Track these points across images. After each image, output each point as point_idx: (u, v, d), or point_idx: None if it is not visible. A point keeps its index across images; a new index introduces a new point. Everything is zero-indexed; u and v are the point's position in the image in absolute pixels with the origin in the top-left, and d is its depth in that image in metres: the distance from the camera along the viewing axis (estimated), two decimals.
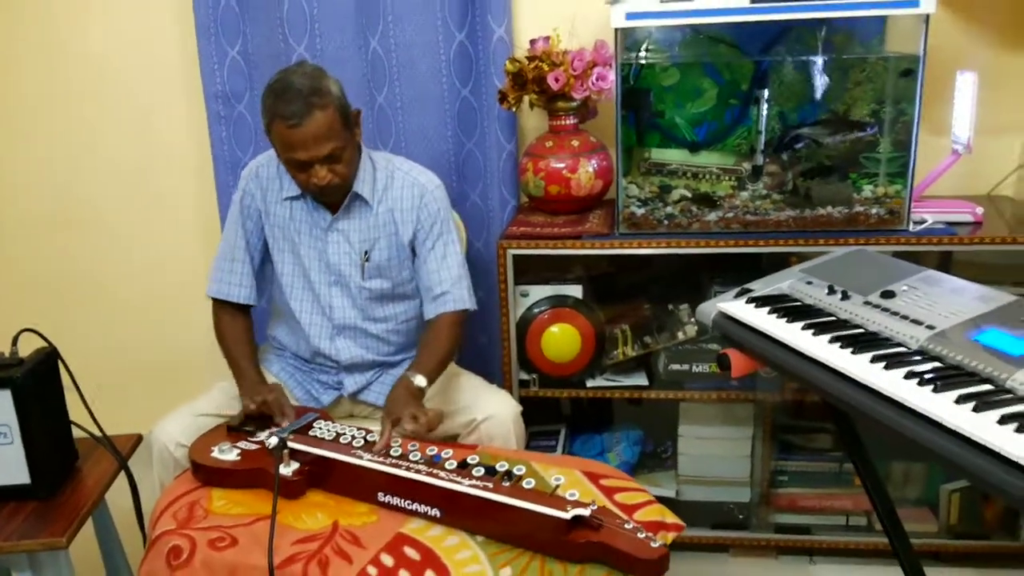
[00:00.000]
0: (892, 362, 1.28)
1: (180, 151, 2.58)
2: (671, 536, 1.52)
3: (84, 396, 1.71)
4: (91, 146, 2.62)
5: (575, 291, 2.11)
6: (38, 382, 1.62)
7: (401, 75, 2.38)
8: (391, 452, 1.60)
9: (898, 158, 2.01)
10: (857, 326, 1.43)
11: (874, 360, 1.30)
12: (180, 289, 2.58)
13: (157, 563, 1.50)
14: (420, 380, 1.76)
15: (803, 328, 1.45)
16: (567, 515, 1.36)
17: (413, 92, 2.38)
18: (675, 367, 2.10)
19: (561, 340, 2.10)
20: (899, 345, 1.34)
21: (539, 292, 2.12)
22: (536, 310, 2.11)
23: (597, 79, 2.00)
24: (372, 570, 1.38)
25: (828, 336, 1.40)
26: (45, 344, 1.69)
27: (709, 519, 2.21)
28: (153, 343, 2.71)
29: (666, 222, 2.02)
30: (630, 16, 1.85)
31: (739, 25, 1.96)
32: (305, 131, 1.68)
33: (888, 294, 1.50)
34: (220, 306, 1.95)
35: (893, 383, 1.23)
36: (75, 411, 1.75)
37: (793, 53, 2.01)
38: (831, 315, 1.49)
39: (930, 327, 1.34)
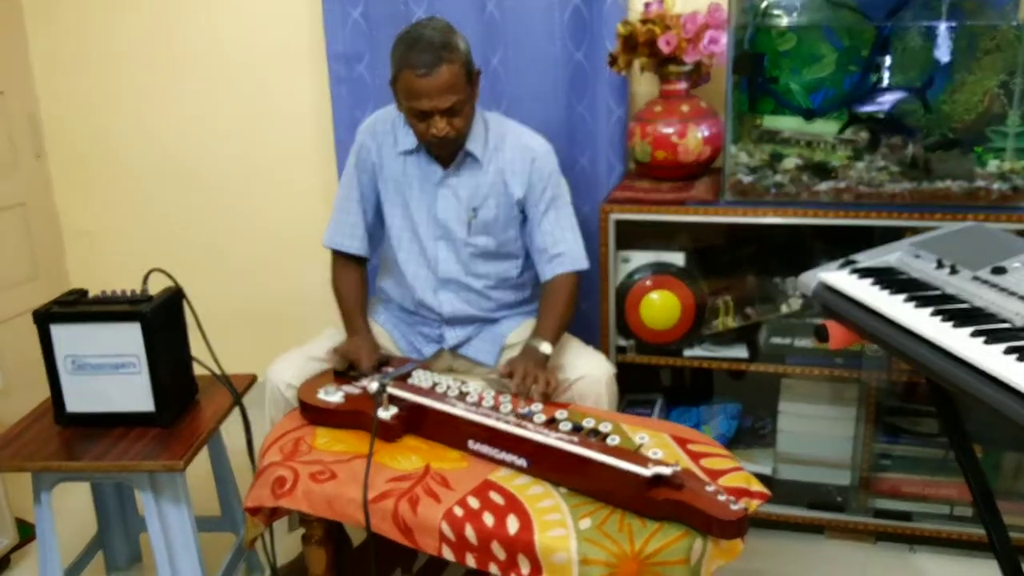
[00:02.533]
0: (993, 337, 1.23)
1: (301, 110, 2.70)
2: (755, 503, 1.51)
3: (206, 335, 1.84)
4: (215, 105, 2.78)
5: (677, 259, 2.10)
6: (165, 318, 1.76)
7: (516, 38, 2.40)
8: (483, 403, 1.66)
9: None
10: (963, 301, 1.38)
11: (975, 334, 1.25)
12: (297, 242, 2.71)
13: (263, 491, 1.61)
14: (545, 347, 1.82)
15: (905, 300, 1.40)
16: (648, 472, 1.38)
17: (527, 55, 2.40)
18: (777, 340, 2.06)
19: (661, 307, 2.09)
20: (1004, 322, 1.28)
21: (641, 258, 2.11)
22: (637, 276, 2.11)
23: (709, 42, 1.97)
24: (458, 510, 1.44)
25: (930, 309, 1.35)
26: (172, 284, 1.83)
27: (805, 499, 2.17)
28: (271, 293, 2.87)
29: (774, 191, 1.97)
30: None
31: None
32: (432, 82, 1.74)
33: (999, 270, 1.43)
34: (336, 257, 2.05)
35: (992, 357, 1.19)
36: (196, 350, 1.89)
37: (918, 19, 1.91)
38: (936, 289, 1.43)
39: None
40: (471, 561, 1.43)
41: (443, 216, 1.95)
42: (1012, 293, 1.33)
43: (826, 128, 2.05)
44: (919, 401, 2.07)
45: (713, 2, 2.02)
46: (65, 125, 2.91)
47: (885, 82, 1.98)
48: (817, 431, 2.17)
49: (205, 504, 2.06)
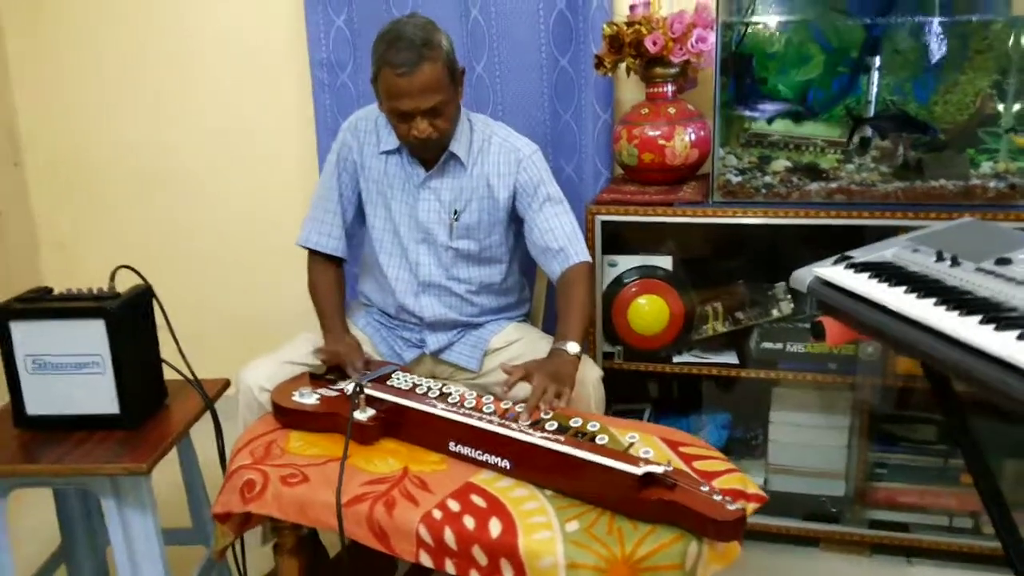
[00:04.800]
0: (1004, 324, 1.17)
1: (283, 118, 2.65)
2: (751, 507, 1.44)
3: (176, 336, 1.76)
4: (196, 113, 2.73)
5: (665, 263, 2.05)
6: (131, 315, 1.68)
7: (500, 44, 2.37)
8: (465, 404, 1.59)
9: (1021, 133, 1.86)
10: (966, 292, 1.32)
11: (984, 321, 1.19)
12: (277, 250, 2.63)
13: (232, 496, 1.53)
14: (573, 347, 1.71)
15: (906, 292, 1.35)
16: (638, 471, 1.31)
17: (512, 61, 2.37)
18: (768, 345, 2.00)
19: (648, 312, 2.04)
20: (1012, 310, 1.23)
21: (628, 262, 2.06)
22: (624, 280, 2.05)
23: (697, 41, 1.94)
24: (437, 513, 1.36)
25: (934, 300, 1.30)
26: (141, 283, 1.76)
27: (799, 512, 2.10)
28: (250, 302, 2.80)
29: (764, 191, 1.93)
30: None
31: None
32: (412, 81, 1.68)
33: (1004, 261, 1.38)
34: (313, 257, 1.99)
35: (1005, 343, 1.13)
36: (168, 355, 1.81)
37: (908, 16, 1.89)
38: (938, 281, 1.38)
39: None
40: (450, 567, 1.35)
41: (424, 219, 1.89)
42: (1021, 282, 1.28)
43: (816, 130, 2.01)
44: (915, 407, 2.01)
45: (700, 2, 1.99)
46: (43, 133, 2.85)
47: (875, 83, 1.95)
48: (810, 441, 2.11)
49: (175, 516, 1.96)
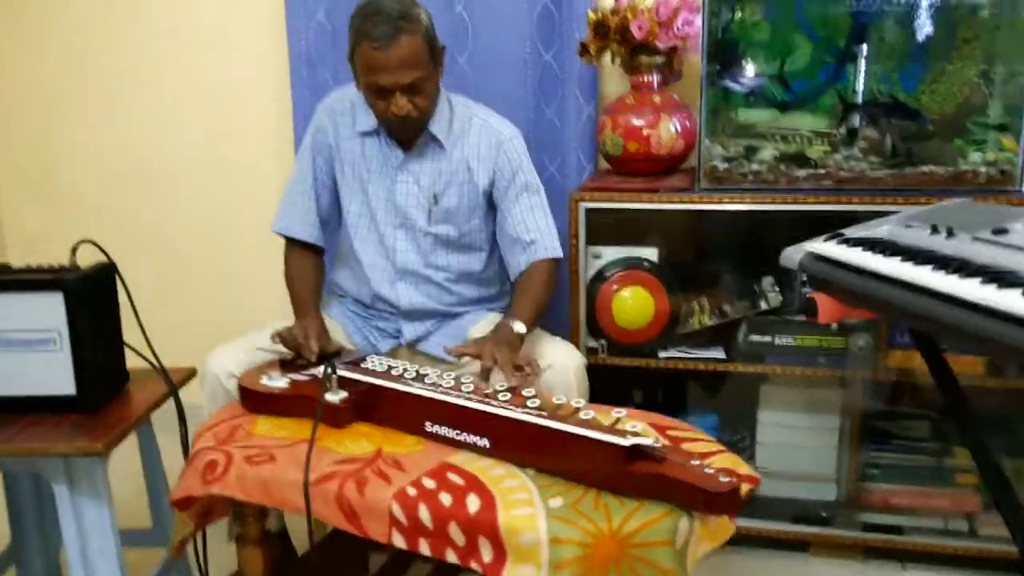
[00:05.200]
0: (1006, 282, 1.12)
1: (261, 113, 2.59)
2: (745, 487, 1.36)
3: (139, 317, 1.67)
4: (172, 107, 2.67)
5: (650, 254, 1.99)
6: (92, 291, 1.59)
7: (484, 38, 2.33)
8: (442, 384, 1.51)
9: (1010, 124, 1.83)
10: (964, 260, 1.28)
11: (986, 282, 1.14)
12: (249, 242, 2.56)
13: (192, 479, 1.44)
14: (519, 326, 1.67)
15: (902, 261, 1.30)
16: (625, 442, 1.24)
17: (495, 56, 2.32)
18: (756, 338, 1.94)
19: (633, 305, 1.97)
20: (1012, 273, 1.18)
21: (612, 254, 2.00)
22: (608, 272, 1.99)
23: (683, 24, 1.91)
24: (412, 491, 1.28)
25: (931, 266, 1.25)
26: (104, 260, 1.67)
27: (788, 515, 2.02)
28: (217, 292, 2.72)
29: (751, 178, 1.89)
30: None
31: None
32: (390, 55, 1.63)
33: (1000, 231, 1.34)
34: (290, 246, 1.92)
35: (1012, 299, 1.08)
36: (132, 343, 1.72)
37: (895, 5, 1.87)
38: (933, 251, 1.33)
39: None
40: (425, 548, 1.26)
41: (402, 202, 1.83)
42: (1020, 248, 1.24)
43: (802, 121, 1.98)
44: (908, 403, 1.96)
45: None
46: (15, 128, 2.78)
47: (862, 72, 1.92)
48: (799, 442, 2.04)
49: (134, 517, 1.85)
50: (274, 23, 2.49)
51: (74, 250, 1.62)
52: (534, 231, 1.81)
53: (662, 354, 2.01)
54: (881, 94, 1.90)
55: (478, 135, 1.83)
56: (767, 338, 1.93)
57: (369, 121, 1.82)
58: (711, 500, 1.18)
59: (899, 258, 1.31)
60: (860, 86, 1.91)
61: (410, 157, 1.82)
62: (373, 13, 1.65)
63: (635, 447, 1.24)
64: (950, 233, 1.37)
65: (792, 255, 1.51)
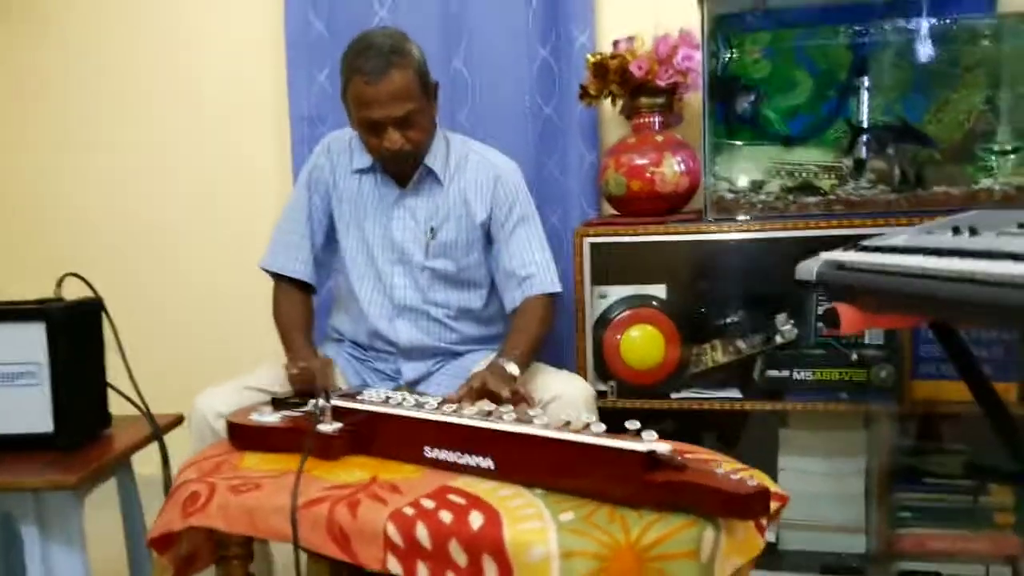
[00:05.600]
0: None
1: (262, 170, 2.58)
2: (775, 505, 1.25)
3: (125, 355, 1.59)
4: (173, 162, 2.67)
5: (658, 291, 1.92)
6: (76, 326, 1.52)
7: (484, 93, 2.34)
8: (443, 409, 1.41)
9: (1019, 149, 1.80)
10: (992, 250, 1.21)
11: (1019, 261, 1.08)
12: (247, 300, 2.49)
13: (172, 513, 1.32)
14: (512, 368, 1.58)
15: (927, 256, 1.24)
16: (643, 447, 1.14)
17: (495, 110, 2.33)
18: (773, 374, 1.84)
19: (642, 343, 1.89)
20: None
21: (619, 292, 1.93)
22: (615, 311, 1.92)
23: (683, 59, 1.90)
24: (409, 510, 1.17)
25: (959, 257, 1.18)
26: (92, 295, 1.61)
27: (816, 568, 1.88)
28: (209, 348, 2.65)
29: (759, 207, 1.84)
30: None
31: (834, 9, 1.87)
32: (381, 88, 1.62)
33: None
34: (278, 284, 1.85)
35: None
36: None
37: (895, 35, 1.88)
38: (959, 248, 1.27)
39: None
40: (423, 572, 1.14)
41: (399, 238, 1.78)
42: None
43: (807, 156, 1.95)
44: (937, 437, 1.84)
45: (684, 28, 1.97)
46: (15, 179, 2.78)
47: (865, 104, 1.91)
48: (823, 490, 1.92)
49: (110, 571, 1.72)
50: (276, 83, 2.50)
51: (59, 282, 1.56)
52: (530, 265, 1.76)
53: (675, 395, 1.91)
54: (888, 121, 1.88)
55: (475, 170, 1.80)
56: (784, 373, 1.83)
57: (365, 158, 1.79)
58: (738, 503, 1.07)
59: (923, 255, 1.25)
60: (864, 118, 1.90)
61: (407, 193, 1.78)
62: (364, 48, 1.65)
63: (653, 454, 1.14)
64: (973, 232, 1.31)
65: (809, 266, 1.44)
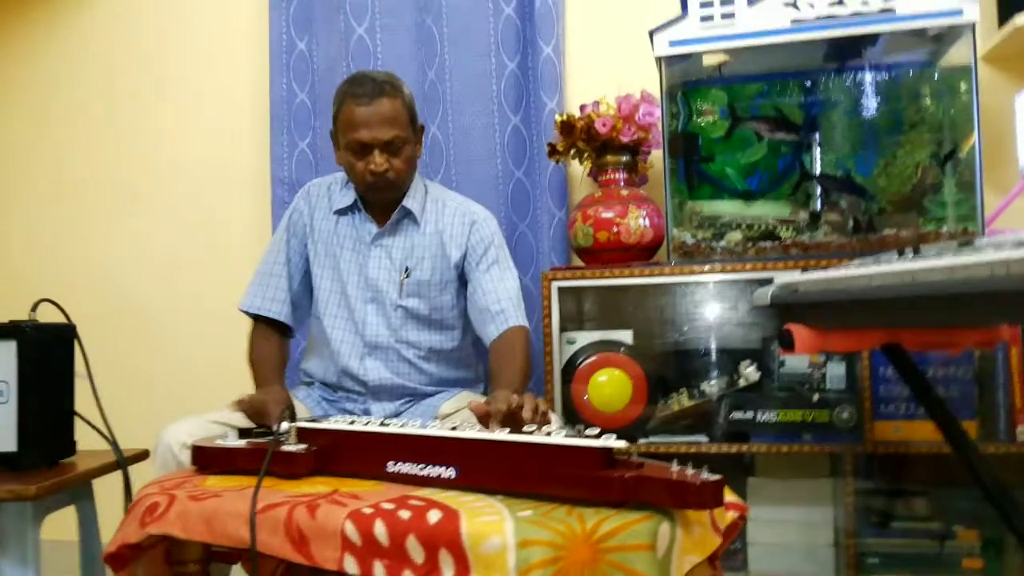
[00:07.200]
0: (996, 249, 1.11)
1: (240, 231, 2.64)
2: (730, 516, 1.27)
3: (96, 389, 1.60)
4: (153, 226, 2.73)
5: (625, 336, 1.96)
6: (48, 348, 1.54)
7: (457, 157, 2.44)
8: (407, 428, 1.42)
9: (965, 201, 1.90)
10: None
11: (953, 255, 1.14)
12: (218, 348, 2.50)
13: (131, 525, 1.31)
14: (516, 398, 1.57)
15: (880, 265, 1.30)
16: (600, 443, 1.16)
17: (468, 174, 2.42)
18: (738, 415, 1.87)
19: (610, 386, 1.92)
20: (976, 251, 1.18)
21: (586, 338, 1.98)
22: (583, 356, 1.95)
23: (644, 116, 2.01)
24: (368, 510, 1.17)
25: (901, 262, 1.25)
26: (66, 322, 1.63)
27: None
28: (179, 385, 2.65)
29: (720, 252, 1.91)
30: (674, 43, 1.89)
31: (785, 71, 2.00)
32: (372, 110, 1.71)
33: (966, 243, 1.35)
34: (256, 326, 1.88)
35: (973, 258, 1.07)
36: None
37: (843, 93, 2.00)
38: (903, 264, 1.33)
39: None
40: (380, 571, 1.13)
41: (374, 276, 1.83)
42: (988, 247, 1.24)
43: (765, 210, 2.04)
44: (901, 478, 1.85)
45: (645, 90, 2.09)
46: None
47: (818, 160, 2.02)
48: (792, 540, 1.91)
49: None
50: (259, 146, 2.59)
51: (34, 307, 1.59)
52: (504, 300, 1.80)
53: (642, 440, 1.92)
54: (835, 175, 1.98)
55: (453, 214, 1.87)
56: (748, 415, 1.86)
57: (345, 199, 1.86)
58: (692, 492, 1.08)
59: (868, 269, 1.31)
60: (817, 173, 2.00)
61: (384, 232, 1.84)
62: (360, 78, 1.77)
63: (611, 451, 1.16)
64: (917, 251, 1.38)
65: (764, 291, 1.49)
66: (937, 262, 1.14)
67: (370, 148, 1.72)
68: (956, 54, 1.91)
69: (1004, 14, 1.98)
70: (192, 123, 2.71)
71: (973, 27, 1.77)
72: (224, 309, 2.63)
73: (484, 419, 1.39)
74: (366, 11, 2.47)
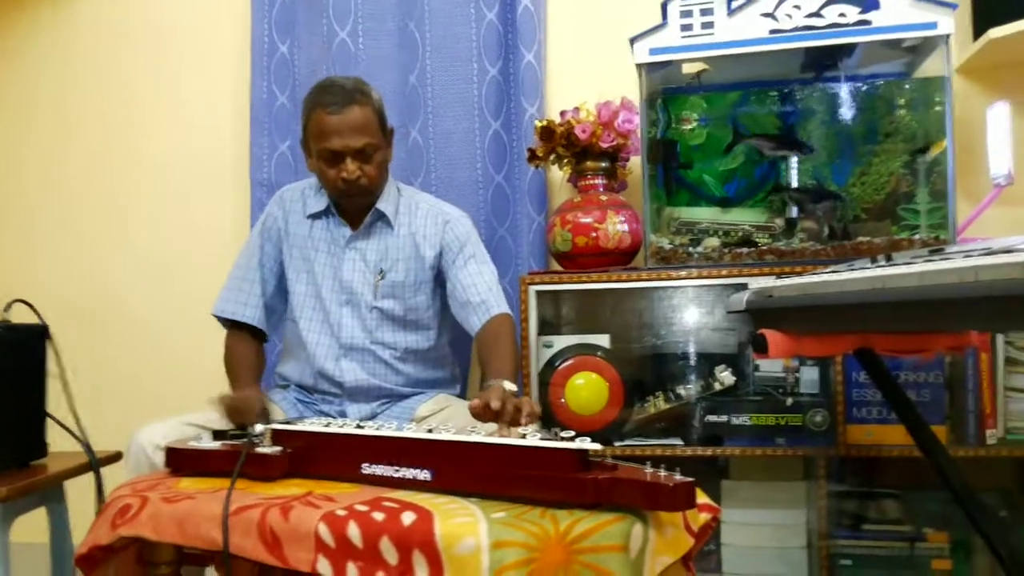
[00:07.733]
0: (965, 256, 1.13)
1: (219, 232, 2.62)
2: (703, 517, 1.28)
3: (67, 380, 1.59)
4: (132, 223, 2.71)
5: (602, 340, 1.97)
6: (18, 345, 1.53)
7: (437, 161, 2.44)
8: (382, 430, 1.42)
9: (938, 209, 1.93)
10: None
11: (923, 262, 1.16)
12: (193, 351, 2.49)
13: (102, 527, 1.31)
14: (509, 385, 1.53)
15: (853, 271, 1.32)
16: (575, 445, 1.16)
17: (448, 179, 2.42)
18: (712, 419, 1.87)
19: (587, 390, 1.92)
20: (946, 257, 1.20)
21: (564, 342, 1.98)
22: (561, 360, 1.96)
23: (623, 122, 2.02)
24: (342, 512, 1.17)
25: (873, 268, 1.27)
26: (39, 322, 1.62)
27: None
28: (153, 389, 2.63)
29: (696, 257, 1.93)
30: (654, 51, 1.91)
31: (763, 80, 2.02)
32: (342, 119, 1.71)
33: (937, 251, 1.37)
34: (230, 332, 1.87)
35: (944, 264, 1.09)
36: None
37: (819, 103, 2.03)
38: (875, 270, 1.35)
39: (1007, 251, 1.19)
40: (354, 572, 1.13)
41: (348, 279, 1.83)
42: (958, 255, 1.26)
43: (742, 216, 2.06)
44: (873, 481, 1.87)
45: (624, 97, 2.10)
46: None
47: (794, 169, 2.04)
48: (766, 542, 1.92)
49: None
50: (240, 148, 2.58)
51: (7, 307, 1.57)
52: (485, 291, 1.80)
53: (618, 443, 1.93)
54: (811, 185, 2.01)
55: (426, 215, 1.87)
56: (723, 418, 1.87)
57: (318, 204, 1.86)
58: (664, 494, 1.09)
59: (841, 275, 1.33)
60: (794, 182, 2.02)
61: (358, 235, 1.84)
62: (328, 86, 1.76)
63: (586, 453, 1.17)
64: (888, 259, 1.40)
65: (739, 297, 1.51)
66: (908, 269, 1.16)
67: (342, 156, 1.72)
68: (931, 66, 1.94)
69: (979, 27, 2.01)
70: (174, 124, 2.69)
71: (948, 39, 1.79)
72: (202, 311, 2.62)
73: (483, 411, 1.38)
74: (349, 15, 2.47)
